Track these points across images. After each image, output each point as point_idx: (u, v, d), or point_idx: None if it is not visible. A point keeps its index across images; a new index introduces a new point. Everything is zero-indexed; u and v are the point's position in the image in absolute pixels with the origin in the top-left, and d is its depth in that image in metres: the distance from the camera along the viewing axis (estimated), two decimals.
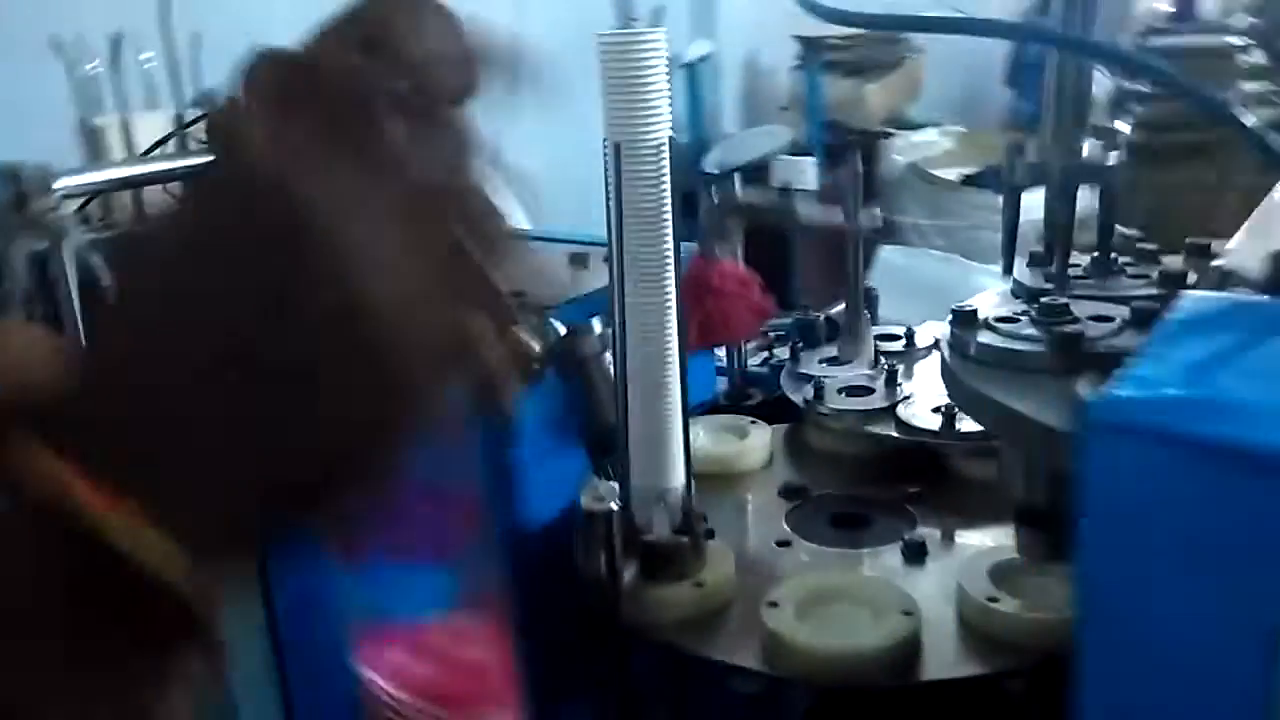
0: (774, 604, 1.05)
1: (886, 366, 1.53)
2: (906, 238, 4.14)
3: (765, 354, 1.86)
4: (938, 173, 4.36)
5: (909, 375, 1.54)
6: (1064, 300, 0.97)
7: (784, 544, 1.26)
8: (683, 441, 1.12)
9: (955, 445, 1.37)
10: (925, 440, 1.38)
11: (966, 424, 1.36)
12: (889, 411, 1.44)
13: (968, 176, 4.40)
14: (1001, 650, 1.02)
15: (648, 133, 1.01)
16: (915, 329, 1.74)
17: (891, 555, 1.23)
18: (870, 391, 1.51)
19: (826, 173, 2.62)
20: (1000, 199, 3.54)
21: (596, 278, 1.62)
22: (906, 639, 1.00)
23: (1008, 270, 1.09)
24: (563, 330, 1.41)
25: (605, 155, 1.05)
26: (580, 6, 4.46)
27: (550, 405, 1.39)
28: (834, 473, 1.45)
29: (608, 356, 1.32)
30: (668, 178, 1.03)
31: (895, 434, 1.40)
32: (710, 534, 1.18)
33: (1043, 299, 0.99)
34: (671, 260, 1.06)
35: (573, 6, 4.36)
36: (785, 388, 1.60)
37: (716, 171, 4.61)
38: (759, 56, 5.17)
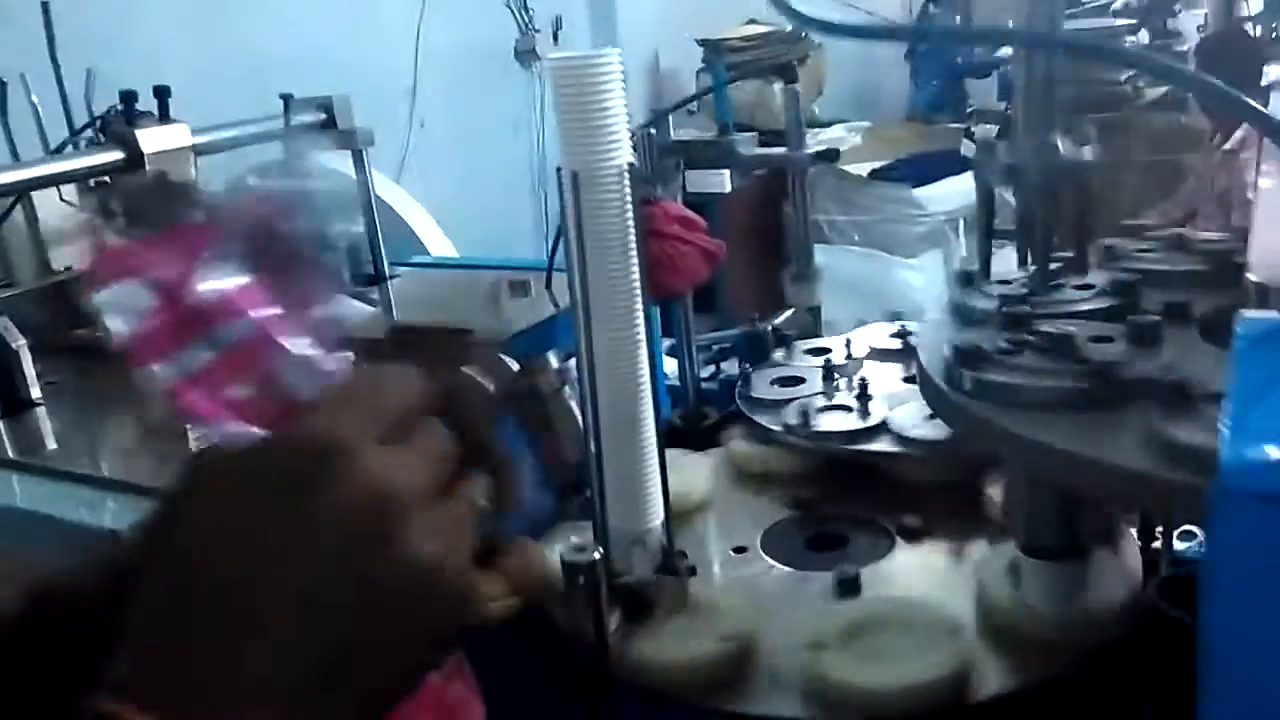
0: (818, 645, 1.00)
1: (860, 384, 1.49)
2: (823, 235, 4.16)
3: (713, 368, 1.82)
4: (847, 168, 4.39)
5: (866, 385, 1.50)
6: (1070, 330, 0.92)
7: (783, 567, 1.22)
8: (660, 479, 1.06)
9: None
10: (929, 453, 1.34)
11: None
12: (883, 429, 1.40)
13: (875, 170, 4.45)
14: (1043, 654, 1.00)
15: (607, 159, 0.95)
16: (850, 339, 1.71)
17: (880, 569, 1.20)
18: (849, 410, 1.47)
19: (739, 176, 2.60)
20: (911, 192, 3.54)
21: (540, 306, 1.57)
22: (962, 662, 0.97)
23: (984, 273, 1.05)
24: (516, 366, 1.35)
25: (560, 183, 0.99)
26: (478, 21, 4.40)
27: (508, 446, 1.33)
28: (782, 493, 1.40)
29: (567, 391, 1.26)
30: (630, 205, 0.97)
31: (902, 449, 1.35)
32: (692, 570, 1.13)
33: (1039, 324, 0.95)
34: (640, 291, 1.00)
35: (471, 21, 4.29)
36: (747, 410, 1.55)
37: None
38: (661, 61, 5.15)
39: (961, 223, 4.21)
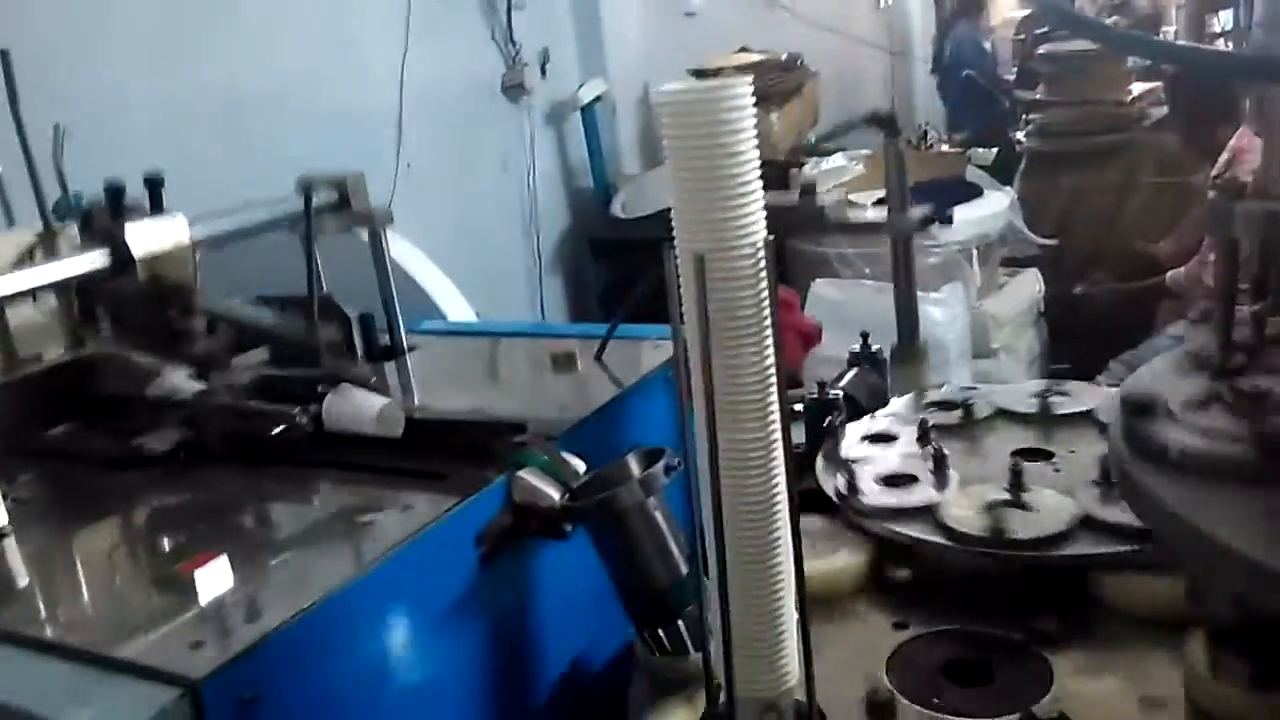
0: None
1: (937, 453, 1.28)
2: (832, 269, 3.97)
3: None
4: (854, 197, 4.21)
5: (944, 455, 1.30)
6: (1265, 384, 0.74)
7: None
8: (802, 629, 0.84)
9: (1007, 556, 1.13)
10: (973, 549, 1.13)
11: (1021, 529, 1.13)
12: (929, 510, 1.20)
13: (881, 199, 4.27)
14: None
15: (743, 233, 0.74)
16: (973, 399, 1.51)
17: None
18: (913, 481, 1.26)
19: None
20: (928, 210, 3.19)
21: (595, 384, 1.35)
22: None
23: (1226, 340, 0.82)
24: (581, 467, 1.13)
25: (675, 263, 0.78)
26: (464, 56, 4.20)
27: (578, 563, 1.11)
28: (923, 595, 1.19)
29: (652, 501, 1.04)
30: (767, 287, 0.76)
31: (941, 540, 1.15)
32: None
33: (1238, 380, 0.76)
34: (776, 385, 0.78)
35: (456, 56, 4.09)
36: (822, 473, 1.34)
37: (625, 216, 4.39)
38: (652, 93, 4.97)
39: (975, 253, 4.04)
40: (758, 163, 0.74)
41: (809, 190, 1.28)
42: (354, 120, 3.33)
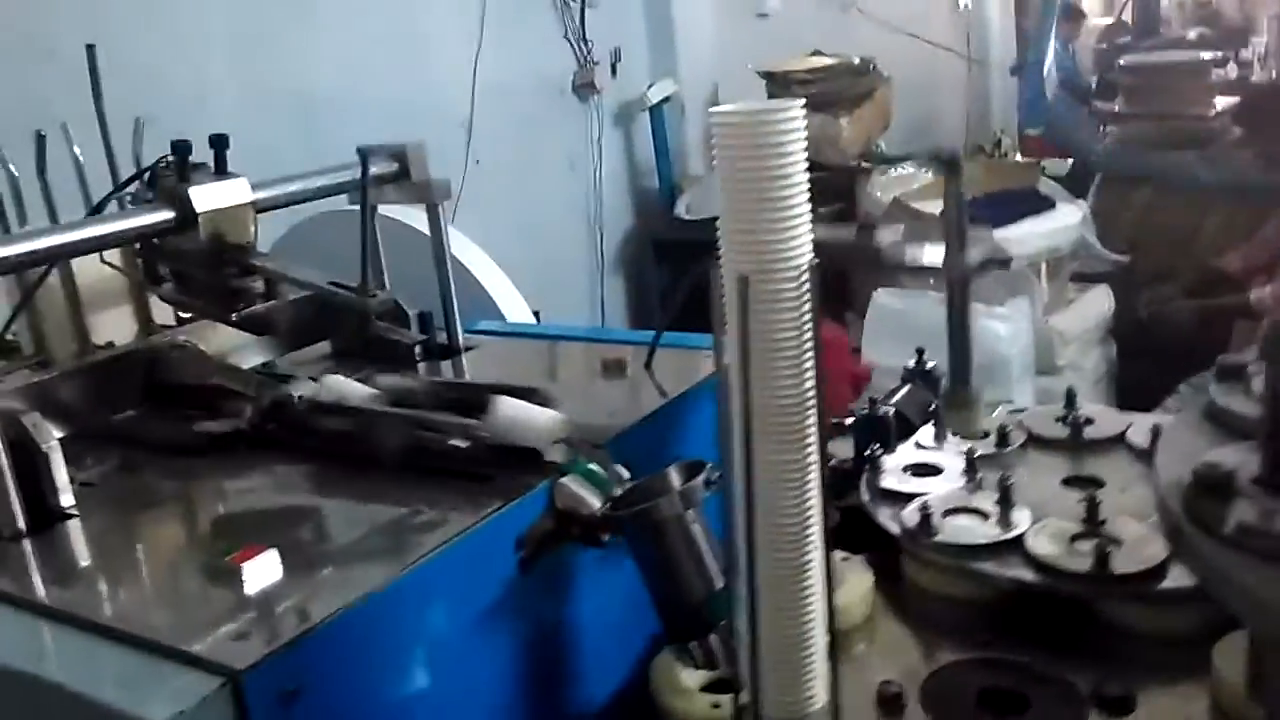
0: None
1: (998, 482, 1.28)
2: (895, 280, 3.93)
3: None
4: (920, 206, 4.16)
5: (1009, 487, 1.28)
6: None
7: None
8: (828, 652, 0.85)
9: (1108, 590, 1.12)
10: (1072, 586, 1.12)
11: (1121, 564, 1.12)
12: (1014, 545, 1.19)
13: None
14: None
15: (788, 256, 0.74)
16: (1008, 424, 1.51)
17: None
18: (984, 516, 1.26)
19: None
20: (991, 234, 3.23)
21: (643, 392, 1.36)
22: None
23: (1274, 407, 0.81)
24: (624, 474, 1.14)
25: (722, 287, 0.79)
26: (536, 54, 4.24)
27: (613, 567, 1.13)
28: (955, 624, 1.19)
29: (691, 514, 1.05)
30: (811, 312, 0.77)
31: (1032, 577, 1.15)
32: None
33: None
34: (815, 410, 0.79)
35: (528, 54, 4.13)
36: (871, 509, 1.35)
37: (690, 217, 4.40)
38: (721, 94, 4.97)
39: (1044, 266, 3.97)
40: (806, 186, 0.75)
41: (867, 227, 1.28)
42: (424, 117, 3.38)
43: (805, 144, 0.74)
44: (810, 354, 0.77)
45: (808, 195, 0.75)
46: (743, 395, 0.78)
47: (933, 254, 1.24)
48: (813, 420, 0.79)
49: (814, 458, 0.80)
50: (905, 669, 1.11)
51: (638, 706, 1.11)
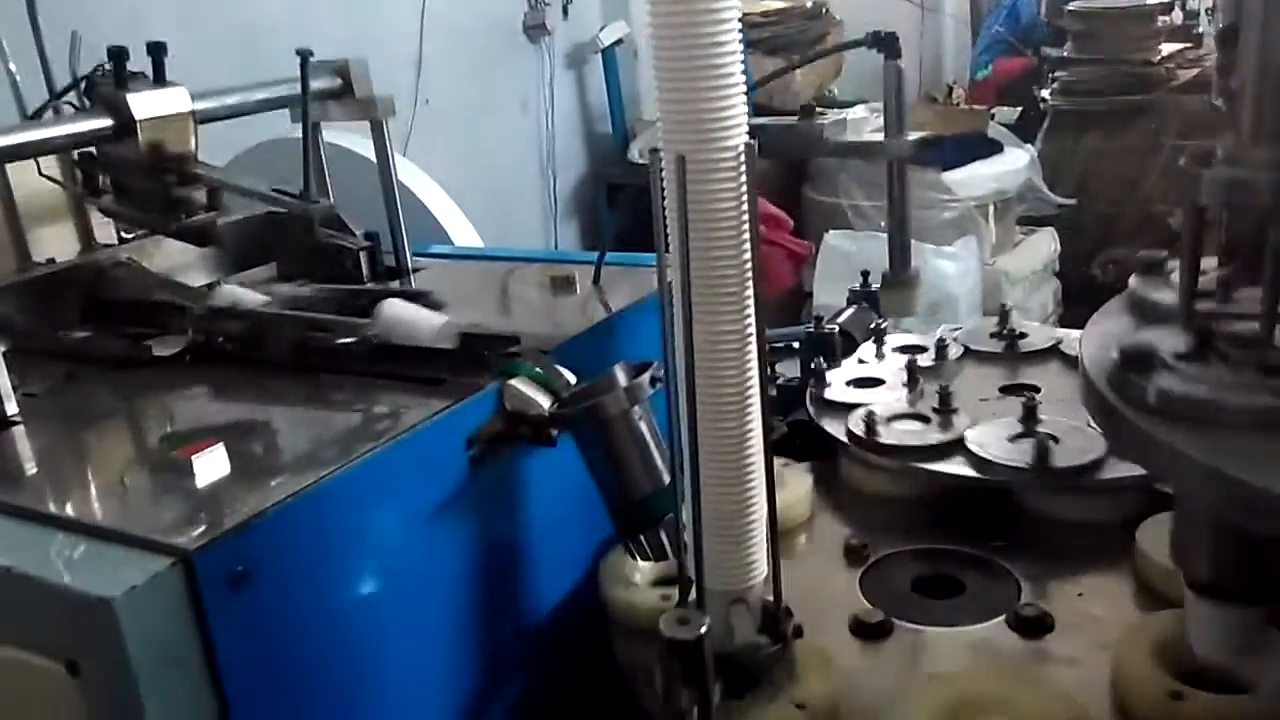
0: None
1: (938, 390, 1.32)
2: (846, 220, 3.97)
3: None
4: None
5: (948, 394, 1.32)
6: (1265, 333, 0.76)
7: (871, 626, 1.03)
8: (768, 523, 0.88)
9: (1047, 483, 1.16)
10: (1012, 480, 1.17)
11: (1060, 458, 1.16)
12: (957, 445, 1.23)
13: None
14: None
15: (723, 137, 0.76)
16: (945, 338, 1.55)
17: (1001, 630, 1.02)
18: (925, 420, 1.30)
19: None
20: (940, 177, 3.24)
21: (590, 306, 1.38)
22: None
23: (1189, 295, 0.84)
24: (573, 379, 1.16)
25: (659, 168, 0.80)
26: None
27: (563, 468, 1.15)
28: (890, 522, 1.23)
29: (637, 410, 1.07)
30: (747, 191, 0.78)
31: (974, 473, 1.19)
32: (799, 631, 0.95)
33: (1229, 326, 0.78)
34: (752, 286, 0.81)
35: None
36: (817, 417, 1.39)
37: (643, 161, 4.39)
38: None
39: (992, 209, 4.02)
40: (740, 62, 0.76)
41: (808, 112, 1.28)
42: (371, 52, 3.32)
43: (739, 23, 0.75)
44: (747, 228, 0.78)
45: (742, 71, 0.76)
46: (683, 268, 0.80)
47: (872, 133, 1.29)
48: (750, 292, 0.81)
49: (752, 329, 0.82)
50: (844, 563, 1.15)
51: (589, 604, 1.14)
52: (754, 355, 0.81)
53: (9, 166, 1.41)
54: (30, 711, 0.83)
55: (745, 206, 0.78)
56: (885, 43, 1.21)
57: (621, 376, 1.06)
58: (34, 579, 0.81)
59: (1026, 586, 1.07)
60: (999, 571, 1.10)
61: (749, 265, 0.79)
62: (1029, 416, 1.24)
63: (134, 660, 0.77)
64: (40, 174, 1.37)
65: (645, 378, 1.06)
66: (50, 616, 0.80)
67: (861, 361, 1.54)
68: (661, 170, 0.80)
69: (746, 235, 0.79)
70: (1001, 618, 1.03)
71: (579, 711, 1.10)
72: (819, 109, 4.43)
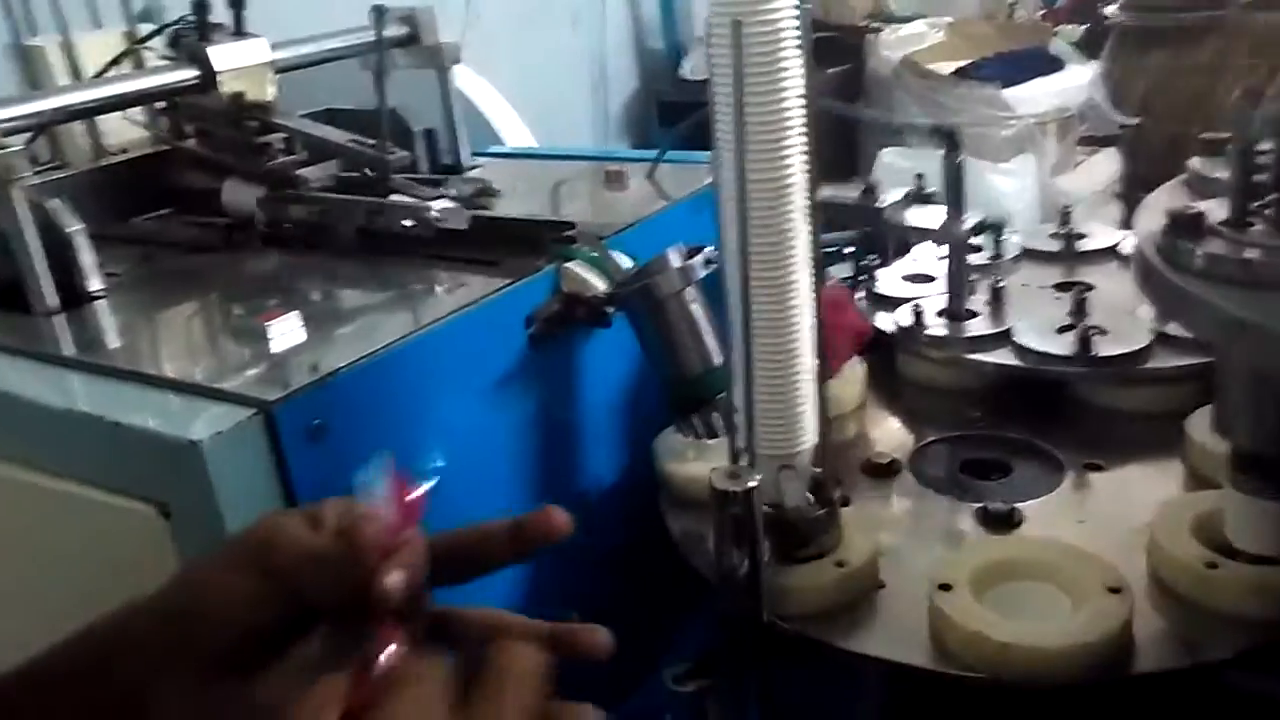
0: (946, 586, 0.86)
1: (991, 285, 1.34)
2: (902, 139, 3.91)
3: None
4: (931, 67, 4.11)
5: (1000, 289, 1.34)
6: None
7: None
8: (816, 396, 0.90)
9: (1091, 373, 1.18)
10: (1057, 369, 1.18)
11: (1104, 348, 1.17)
12: (1003, 338, 1.25)
13: (960, 69, 4.16)
14: (1226, 628, 0.84)
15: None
16: (1004, 235, 1.55)
17: (1045, 506, 1.04)
18: (973, 315, 1.32)
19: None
20: (999, 93, 3.17)
21: (645, 199, 1.40)
22: (1118, 629, 0.82)
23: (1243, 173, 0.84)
24: (628, 264, 1.19)
25: (711, 39, 0.82)
26: None
27: (620, 352, 1.18)
28: (942, 410, 1.25)
29: (689, 292, 1.10)
30: (803, 60, 0.80)
31: (1019, 362, 1.21)
32: (845, 501, 0.98)
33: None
34: (806, 164, 0.83)
35: None
36: (868, 311, 1.41)
37: (694, 79, 4.34)
38: None
39: (1053, 126, 3.94)
40: None
41: (870, 190, 1.29)
42: None
43: None
44: (803, 84, 0.80)
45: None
46: (738, 148, 0.82)
47: (931, 218, 1.31)
48: (807, 167, 0.83)
49: (805, 217, 0.84)
50: (895, 445, 1.18)
51: (643, 478, 1.18)
52: (806, 241, 0.83)
53: (80, 63, 1.47)
54: (124, 554, 0.90)
55: (801, 66, 0.79)
56: (947, 138, 1.21)
57: (675, 258, 1.09)
58: (126, 426, 0.86)
59: (1072, 472, 1.09)
60: (1045, 456, 1.13)
61: (806, 133, 0.81)
62: (1078, 310, 1.25)
63: (221, 502, 0.82)
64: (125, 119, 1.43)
65: (699, 259, 1.09)
66: (142, 462, 0.86)
67: (915, 260, 1.54)
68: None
69: (803, 108, 0.80)
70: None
71: (634, 576, 1.15)
72: (874, 23, 4.38)
